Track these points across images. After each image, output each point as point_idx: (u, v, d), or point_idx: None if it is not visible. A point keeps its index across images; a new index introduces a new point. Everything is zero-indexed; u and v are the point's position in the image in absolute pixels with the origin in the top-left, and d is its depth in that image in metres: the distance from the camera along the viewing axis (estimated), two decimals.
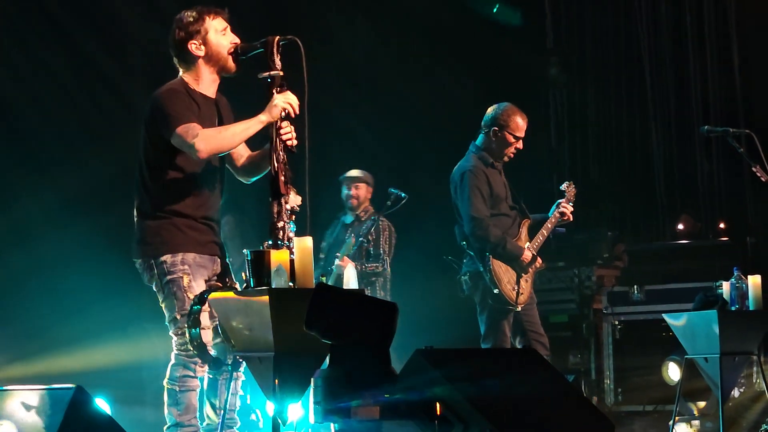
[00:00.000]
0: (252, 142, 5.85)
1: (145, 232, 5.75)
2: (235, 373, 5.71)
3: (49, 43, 9.26)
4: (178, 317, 5.63)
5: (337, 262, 9.34)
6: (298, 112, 5.53)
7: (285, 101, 5.50)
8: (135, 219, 5.83)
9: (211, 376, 5.81)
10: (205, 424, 5.78)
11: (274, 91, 5.51)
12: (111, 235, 8.65)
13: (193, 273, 5.68)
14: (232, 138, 5.61)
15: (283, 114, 5.49)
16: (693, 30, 11.87)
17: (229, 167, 6.05)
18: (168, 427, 5.71)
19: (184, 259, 5.69)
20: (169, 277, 5.67)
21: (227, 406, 5.78)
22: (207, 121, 5.73)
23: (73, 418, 4.71)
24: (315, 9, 11.21)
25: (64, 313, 8.73)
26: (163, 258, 5.68)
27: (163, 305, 5.76)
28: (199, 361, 5.60)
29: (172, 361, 5.73)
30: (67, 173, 9.12)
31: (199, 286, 5.64)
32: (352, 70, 11.39)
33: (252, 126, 5.57)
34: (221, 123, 5.85)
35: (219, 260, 5.89)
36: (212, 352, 5.56)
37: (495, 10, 12.22)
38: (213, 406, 5.78)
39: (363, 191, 9.73)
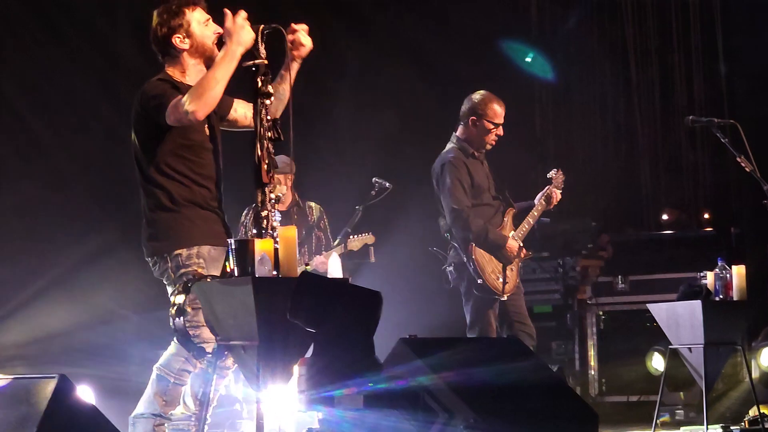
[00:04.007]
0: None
1: (157, 228, 5.65)
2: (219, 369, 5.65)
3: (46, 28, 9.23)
4: (189, 310, 5.53)
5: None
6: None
7: (242, 25, 5.38)
8: (145, 217, 5.72)
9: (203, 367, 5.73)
10: (180, 412, 5.69)
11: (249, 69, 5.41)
12: (99, 224, 8.65)
13: (207, 266, 5.57)
14: (216, 86, 5.42)
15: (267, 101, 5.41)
16: (678, 19, 11.89)
17: (240, 129, 5.96)
18: (147, 414, 5.61)
19: (200, 252, 5.61)
20: (183, 270, 5.56)
21: (209, 398, 5.70)
22: None
23: (56, 407, 4.69)
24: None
25: (49, 302, 8.70)
26: (178, 251, 5.59)
27: (172, 297, 5.68)
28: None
29: (173, 351, 5.64)
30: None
31: None
32: (337, 58, 11.35)
33: (228, 62, 5.41)
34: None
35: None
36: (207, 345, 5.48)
37: (529, 59, 12.21)
38: (194, 396, 5.71)
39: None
